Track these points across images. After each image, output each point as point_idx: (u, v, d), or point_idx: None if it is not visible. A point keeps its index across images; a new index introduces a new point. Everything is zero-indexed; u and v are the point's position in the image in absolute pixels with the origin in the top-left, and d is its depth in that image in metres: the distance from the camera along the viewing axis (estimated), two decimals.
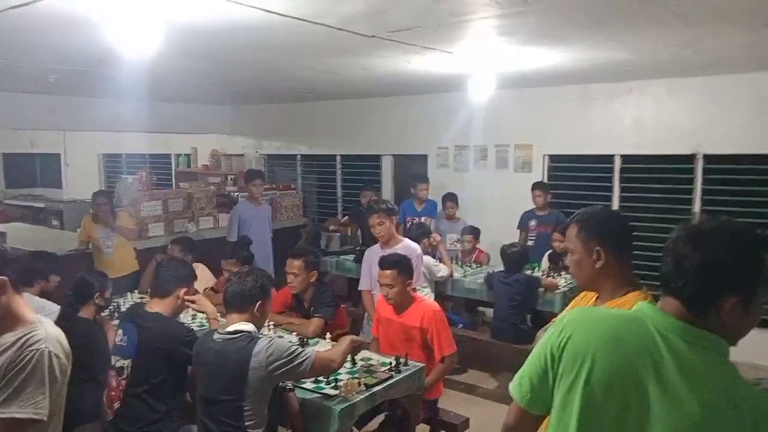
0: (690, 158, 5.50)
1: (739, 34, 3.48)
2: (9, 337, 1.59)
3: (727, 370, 1.20)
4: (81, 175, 10.12)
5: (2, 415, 1.52)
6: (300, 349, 2.50)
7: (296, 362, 2.43)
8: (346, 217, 7.67)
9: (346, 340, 2.77)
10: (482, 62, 4.33)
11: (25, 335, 1.59)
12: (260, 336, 2.53)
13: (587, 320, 1.32)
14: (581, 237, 1.89)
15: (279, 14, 2.92)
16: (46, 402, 1.57)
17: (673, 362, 1.18)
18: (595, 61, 4.43)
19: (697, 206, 5.50)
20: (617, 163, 5.90)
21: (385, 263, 3.31)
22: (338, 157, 8.07)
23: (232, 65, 4.75)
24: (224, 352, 2.43)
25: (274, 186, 7.74)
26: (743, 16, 3.05)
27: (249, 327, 2.50)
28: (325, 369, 2.60)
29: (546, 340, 1.34)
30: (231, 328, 2.49)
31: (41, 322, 1.67)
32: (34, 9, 2.79)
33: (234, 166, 8.37)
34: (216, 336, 2.51)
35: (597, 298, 1.99)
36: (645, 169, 5.83)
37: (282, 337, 3.46)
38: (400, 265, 3.29)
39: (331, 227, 7.65)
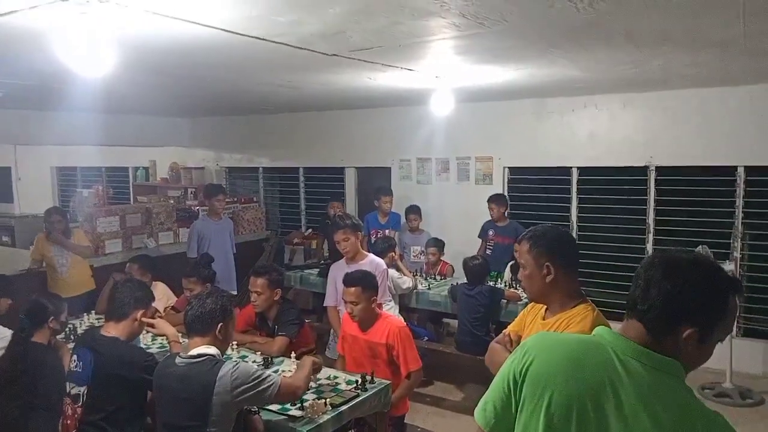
0: (643, 170, 5.71)
1: (683, 54, 3.65)
2: None
3: (683, 392, 1.24)
4: (33, 190, 9.77)
5: None
6: (266, 374, 2.48)
7: (261, 387, 2.40)
8: (310, 230, 7.63)
9: (306, 364, 2.76)
10: (443, 78, 4.40)
11: None
12: (224, 359, 2.49)
13: (548, 345, 1.35)
14: (532, 253, 2.04)
15: (238, 33, 2.91)
16: None
17: (631, 385, 1.22)
18: (549, 78, 4.57)
19: (651, 216, 5.70)
20: (574, 175, 6.07)
21: (349, 280, 3.31)
22: (301, 170, 8.04)
23: (190, 80, 4.69)
24: (187, 377, 2.38)
25: (235, 199, 7.65)
26: (687, 38, 3.20)
27: (212, 350, 2.46)
28: (290, 395, 2.57)
29: (509, 365, 1.37)
30: (194, 352, 2.45)
31: None
32: None
33: (194, 179, 8.23)
34: (178, 360, 2.46)
35: (546, 310, 2.09)
36: (601, 181, 6.02)
37: (246, 356, 3.42)
38: (365, 282, 3.29)
39: (295, 240, 7.60)
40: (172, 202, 7.32)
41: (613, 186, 6.00)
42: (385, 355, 3.27)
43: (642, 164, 5.68)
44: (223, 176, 8.63)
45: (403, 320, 3.60)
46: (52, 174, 10.18)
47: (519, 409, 1.33)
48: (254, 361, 3.35)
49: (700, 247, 4.79)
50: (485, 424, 1.39)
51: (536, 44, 3.32)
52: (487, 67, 4.06)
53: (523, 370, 1.32)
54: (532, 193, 6.37)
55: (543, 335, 1.46)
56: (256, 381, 2.38)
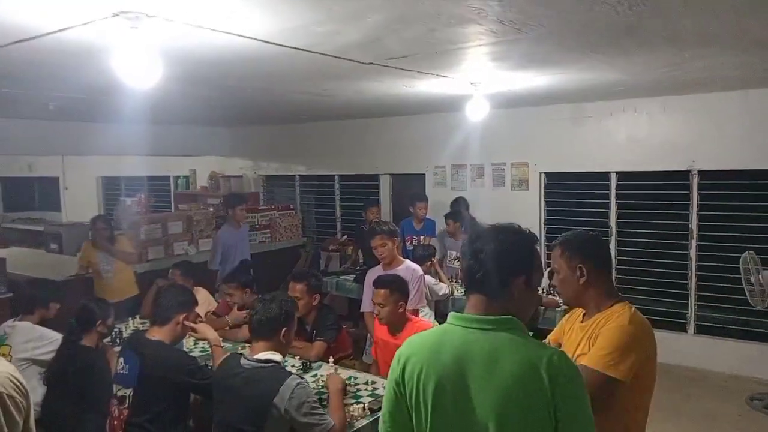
0: (685, 174, 5.56)
1: (727, 55, 3.56)
2: None
3: (522, 341, 1.44)
4: (80, 199, 10.14)
5: None
6: (323, 413, 2.45)
7: (310, 420, 2.36)
8: (345, 237, 7.69)
9: (333, 397, 2.68)
10: (478, 85, 4.39)
11: None
12: (292, 372, 2.53)
13: (413, 345, 1.57)
14: (565, 257, 2.08)
15: (277, 44, 2.98)
16: None
17: (478, 354, 1.42)
18: (587, 82, 4.51)
19: (694, 221, 5.54)
20: (613, 180, 5.95)
21: (379, 283, 3.36)
22: (336, 177, 8.12)
23: (230, 90, 4.81)
24: (253, 380, 2.42)
25: (273, 207, 7.77)
26: (732, 39, 3.12)
27: (277, 357, 2.51)
28: None
29: (390, 375, 1.57)
30: (260, 356, 2.49)
31: None
32: (39, 42, 2.84)
33: (233, 187, 8.40)
34: (243, 362, 2.50)
35: (584, 315, 2.11)
36: (642, 186, 5.89)
37: (285, 361, 3.46)
38: (394, 285, 3.32)
39: (331, 247, 7.67)
40: (211, 209, 7.47)
41: (653, 191, 5.86)
42: None
43: (684, 168, 5.54)
44: (260, 184, 8.79)
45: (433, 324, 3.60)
46: (97, 183, 10.54)
47: (409, 406, 1.50)
48: (293, 366, 3.39)
49: (747, 253, 4.64)
50: None
51: (574, 49, 3.29)
52: (524, 73, 4.04)
53: (401, 372, 1.52)
54: (569, 198, 6.28)
55: (410, 338, 1.62)
56: (309, 411, 2.36)
